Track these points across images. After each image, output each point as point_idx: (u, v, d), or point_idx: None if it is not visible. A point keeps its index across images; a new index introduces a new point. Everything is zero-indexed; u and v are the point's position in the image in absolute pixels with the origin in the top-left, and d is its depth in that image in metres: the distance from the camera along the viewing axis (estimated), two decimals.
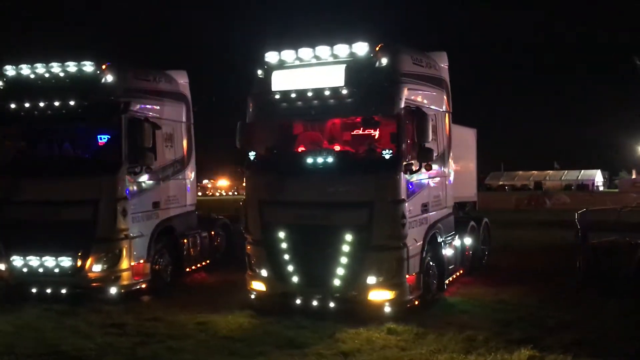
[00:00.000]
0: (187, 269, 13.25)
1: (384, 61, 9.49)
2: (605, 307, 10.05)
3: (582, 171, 77.06)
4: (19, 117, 11.19)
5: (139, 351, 8.13)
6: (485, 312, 10.13)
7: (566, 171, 77.42)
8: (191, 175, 13.53)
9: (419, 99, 10.10)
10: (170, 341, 8.60)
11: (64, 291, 11.03)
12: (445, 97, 11.39)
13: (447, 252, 11.41)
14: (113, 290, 10.98)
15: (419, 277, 9.98)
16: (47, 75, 11.19)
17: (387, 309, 9.48)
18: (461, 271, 12.53)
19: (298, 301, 9.90)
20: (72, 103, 10.95)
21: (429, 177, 10.49)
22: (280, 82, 9.93)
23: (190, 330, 9.24)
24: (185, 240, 13.05)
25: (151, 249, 11.72)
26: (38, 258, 10.96)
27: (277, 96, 9.93)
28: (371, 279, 9.45)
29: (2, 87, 11.39)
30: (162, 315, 10.09)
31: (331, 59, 9.70)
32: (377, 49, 9.54)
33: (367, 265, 9.45)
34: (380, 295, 9.50)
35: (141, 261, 11.41)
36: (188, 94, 13.50)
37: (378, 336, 8.75)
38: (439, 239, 11.00)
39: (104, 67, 11.08)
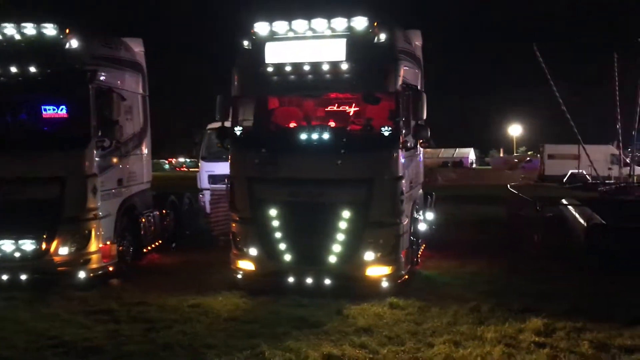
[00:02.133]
0: (144, 250, 12.55)
1: (382, 37, 9.46)
2: (576, 276, 10.81)
3: (457, 149, 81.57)
4: None
5: (155, 338, 7.62)
6: (465, 284, 10.51)
7: (442, 149, 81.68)
8: (146, 150, 12.75)
9: (409, 76, 10.18)
10: (178, 326, 8.16)
11: (23, 277, 10.04)
12: (419, 74, 11.57)
13: (420, 227, 11.71)
14: (81, 274, 10.17)
15: (408, 252, 10.19)
16: None
17: (385, 284, 9.58)
18: (424, 245, 12.91)
19: (291, 279, 9.73)
20: (31, 70, 9.90)
21: (414, 155, 10.66)
22: (274, 54, 9.60)
23: (188, 313, 8.79)
24: (143, 220, 12.33)
25: (117, 230, 10.96)
26: None
27: (270, 69, 9.60)
28: (369, 255, 9.49)
29: None
30: (146, 299, 9.52)
31: (329, 32, 9.50)
32: (376, 24, 9.47)
33: (366, 241, 9.47)
34: (378, 271, 9.57)
35: (108, 242, 10.64)
36: (144, 64, 12.65)
37: (384, 311, 8.84)
38: (415, 215, 11.25)
39: (67, 31, 10.09)
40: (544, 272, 11.13)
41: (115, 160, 10.95)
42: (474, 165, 76.94)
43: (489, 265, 11.83)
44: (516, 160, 65.83)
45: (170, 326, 8.14)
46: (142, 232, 12.21)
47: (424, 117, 9.69)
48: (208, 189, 17.72)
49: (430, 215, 13.27)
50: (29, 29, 9.98)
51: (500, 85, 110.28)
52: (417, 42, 11.80)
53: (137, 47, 12.48)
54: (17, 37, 9.98)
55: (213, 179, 18.25)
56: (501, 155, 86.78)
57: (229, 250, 13.77)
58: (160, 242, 13.43)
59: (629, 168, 39.55)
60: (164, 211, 13.71)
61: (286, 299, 9.38)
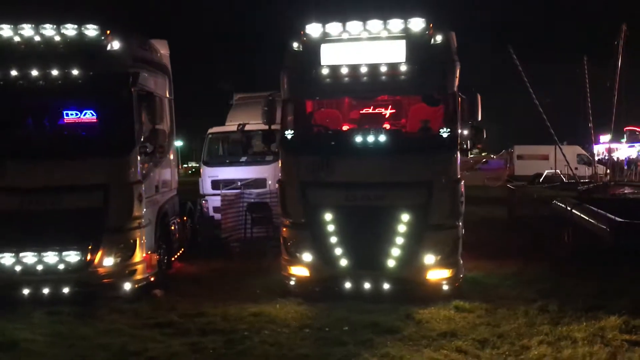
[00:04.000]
0: (172, 259, 12.13)
1: (439, 39, 9.40)
2: (612, 273, 10.96)
3: None
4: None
5: (243, 350, 7.33)
6: (514, 285, 10.51)
7: None
8: (172, 155, 12.35)
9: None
10: (254, 336, 7.90)
11: (65, 290, 9.52)
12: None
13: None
14: (127, 286, 9.71)
15: (461, 254, 10.14)
16: (37, 38, 9.47)
17: (445, 287, 9.51)
18: None
19: (347, 285, 9.55)
20: (72, 73, 9.41)
21: (463, 157, 10.62)
22: (329, 56, 9.43)
23: (255, 322, 8.51)
24: (173, 227, 11.93)
25: (156, 238, 10.55)
26: (36, 254, 9.34)
27: (326, 71, 9.42)
28: (429, 259, 9.40)
29: None
30: (202, 309, 9.17)
31: (385, 34, 9.39)
32: (432, 26, 9.42)
33: (426, 244, 9.37)
34: (438, 274, 9.48)
35: (149, 252, 10.22)
36: (169, 66, 12.25)
37: (452, 314, 8.78)
38: None
39: (107, 32, 9.64)
40: (584, 271, 11.23)
41: (154, 166, 10.54)
42: None
43: (527, 265, 11.87)
44: (472, 162, 66.95)
45: (248, 337, 7.86)
46: (172, 240, 11.80)
47: (479, 118, 9.68)
48: (211, 195, 17.37)
49: None
50: (69, 30, 9.49)
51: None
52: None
53: (163, 49, 12.08)
54: (57, 38, 9.48)
55: (216, 184, 17.90)
56: None
57: (247, 257, 13.64)
58: (182, 250, 13.04)
59: (593, 167, 40.84)
60: (184, 218, 13.32)
61: (346, 304, 9.19)
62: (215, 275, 11.85)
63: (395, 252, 9.40)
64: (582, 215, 14.90)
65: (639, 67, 32.49)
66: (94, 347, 7.50)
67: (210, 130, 18.48)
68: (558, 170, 33.19)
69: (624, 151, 47.99)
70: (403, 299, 9.28)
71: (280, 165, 10.06)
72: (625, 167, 36.79)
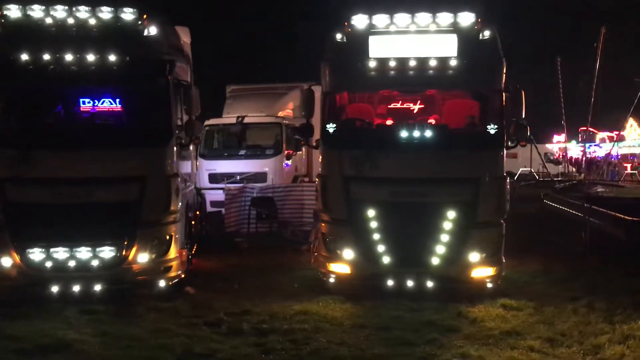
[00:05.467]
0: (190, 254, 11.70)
1: (487, 34, 9.30)
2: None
3: None
4: (28, 72, 8.81)
5: (315, 350, 7.06)
6: (547, 282, 10.50)
7: None
8: (191, 146, 11.89)
9: None
10: (316, 335, 7.63)
11: (97, 288, 9.01)
12: None
13: None
14: (161, 283, 9.29)
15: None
16: (70, 21, 8.92)
17: (489, 285, 9.45)
18: None
19: (390, 282, 9.37)
20: (107, 59, 8.90)
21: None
22: (377, 48, 9.22)
23: (309, 321, 8.19)
24: (193, 222, 11.51)
25: (186, 233, 10.15)
26: (67, 249, 8.82)
27: (374, 63, 9.21)
28: (474, 256, 9.30)
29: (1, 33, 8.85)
30: (244, 307, 8.83)
31: (434, 27, 9.23)
32: (480, 20, 9.31)
33: (472, 242, 9.28)
34: (482, 272, 9.40)
35: (181, 247, 9.81)
36: (190, 56, 11.79)
37: (503, 312, 8.69)
38: None
39: (144, 16, 9.18)
40: (608, 268, 11.33)
41: (185, 157, 10.13)
42: None
43: (550, 262, 11.88)
44: None
45: (310, 337, 7.57)
46: (192, 235, 11.39)
47: (524, 115, 9.63)
48: (208, 189, 16.90)
49: None
50: (105, 12, 8.98)
51: None
52: None
53: (185, 37, 11.61)
54: (92, 21, 8.94)
55: (214, 177, 17.47)
56: None
57: (258, 253, 13.32)
58: (196, 245, 12.61)
59: (561, 166, 41.86)
60: (197, 212, 12.89)
61: (391, 303, 9.02)
62: (236, 271, 11.48)
63: (440, 249, 9.27)
64: (596, 214, 14.98)
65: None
66: (154, 348, 7.09)
67: (207, 122, 17.98)
68: (532, 169, 34.01)
69: (575, 150, 49.30)
70: (446, 297, 9.15)
71: (320, 159, 9.79)
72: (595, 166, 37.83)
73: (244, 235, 15.27)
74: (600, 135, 50.56)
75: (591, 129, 53.39)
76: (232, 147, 17.97)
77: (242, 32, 46.67)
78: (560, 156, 45.09)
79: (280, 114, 18.61)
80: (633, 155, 53.57)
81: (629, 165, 48.44)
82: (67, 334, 7.51)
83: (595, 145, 48.31)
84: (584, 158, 34.33)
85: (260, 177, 17.28)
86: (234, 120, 17.66)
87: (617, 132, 54.48)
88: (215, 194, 16.38)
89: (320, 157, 9.77)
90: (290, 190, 16.47)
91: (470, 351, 6.96)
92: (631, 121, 44.17)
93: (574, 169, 42.83)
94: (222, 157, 17.67)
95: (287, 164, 18.09)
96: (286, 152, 17.74)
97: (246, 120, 17.72)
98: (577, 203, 16.09)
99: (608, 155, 35.96)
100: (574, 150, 47.17)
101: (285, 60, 38.85)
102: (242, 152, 17.77)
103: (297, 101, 19.35)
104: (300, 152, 18.75)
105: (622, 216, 13.38)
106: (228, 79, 22.03)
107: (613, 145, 34.88)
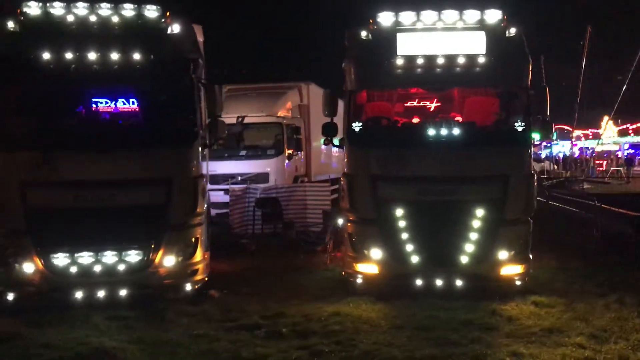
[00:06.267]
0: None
1: (513, 31, 9.30)
2: None
3: None
4: (49, 72, 8.52)
5: (365, 353, 6.93)
6: (568, 278, 10.52)
7: None
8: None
9: None
10: (357, 337, 7.50)
11: (123, 293, 8.77)
12: None
13: None
14: (188, 287, 9.09)
15: None
16: (92, 18, 8.66)
17: (518, 282, 9.43)
18: None
19: (419, 282, 9.31)
20: (130, 57, 8.65)
21: None
22: (404, 45, 9.14)
23: (346, 322, 8.09)
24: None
25: (208, 235, 9.94)
26: (93, 254, 8.56)
27: (401, 61, 9.13)
28: (503, 254, 9.28)
29: (18, 31, 8.55)
30: (277, 310, 8.68)
31: (461, 25, 9.20)
32: (506, 18, 9.31)
33: (501, 240, 9.25)
34: (511, 270, 9.38)
35: (205, 250, 9.61)
36: (204, 55, 11.54)
37: (535, 310, 8.69)
38: None
39: (167, 14, 8.96)
40: (627, 265, 11.45)
41: (205, 158, 9.93)
42: None
43: (567, 259, 11.96)
44: None
45: (353, 338, 7.45)
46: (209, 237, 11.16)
47: (548, 113, 9.66)
48: (208, 190, 16.63)
49: None
50: (127, 10, 8.74)
51: None
52: None
53: (199, 35, 11.35)
54: (115, 19, 8.70)
55: (214, 179, 17.20)
56: None
57: (269, 254, 13.14)
58: None
59: (543, 164, 42.36)
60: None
61: (422, 302, 8.95)
62: (255, 273, 11.33)
63: (469, 248, 9.23)
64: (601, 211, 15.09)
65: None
66: (200, 354, 6.91)
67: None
68: None
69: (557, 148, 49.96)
70: (476, 296, 9.12)
71: (346, 158, 9.67)
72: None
73: (249, 236, 15.09)
74: (576, 133, 51.47)
75: (566, 127, 54.35)
76: (232, 148, 17.71)
77: (240, 33, 46.15)
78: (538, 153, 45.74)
79: (280, 113, 18.44)
80: (607, 152, 54.63)
81: (604, 163, 49.42)
82: (103, 342, 7.26)
83: (572, 143, 49.20)
84: (565, 156, 34.81)
85: (262, 177, 17.11)
86: (233, 121, 17.41)
87: (592, 130, 55.45)
88: (216, 196, 16.13)
89: (346, 156, 9.65)
90: (293, 190, 16.37)
91: (520, 349, 6.91)
92: (606, 119, 45.01)
93: (555, 167, 43.33)
94: (223, 158, 17.40)
95: (287, 164, 17.94)
96: (287, 152, 17.58)
97: (247, 120, 17.47)
98: (580, 201, 16.25)
99: (592, 153, 36.50)
100: (556, 148, 47.93)
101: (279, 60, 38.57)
102: (243, 152, 17.55)
103: (295, 100, 19.30)
104: (301, 152, 18.62)
105: (631, 213, 13.56)
106: (220, 78, 21.81)
107: (598, 143, 35.32)
